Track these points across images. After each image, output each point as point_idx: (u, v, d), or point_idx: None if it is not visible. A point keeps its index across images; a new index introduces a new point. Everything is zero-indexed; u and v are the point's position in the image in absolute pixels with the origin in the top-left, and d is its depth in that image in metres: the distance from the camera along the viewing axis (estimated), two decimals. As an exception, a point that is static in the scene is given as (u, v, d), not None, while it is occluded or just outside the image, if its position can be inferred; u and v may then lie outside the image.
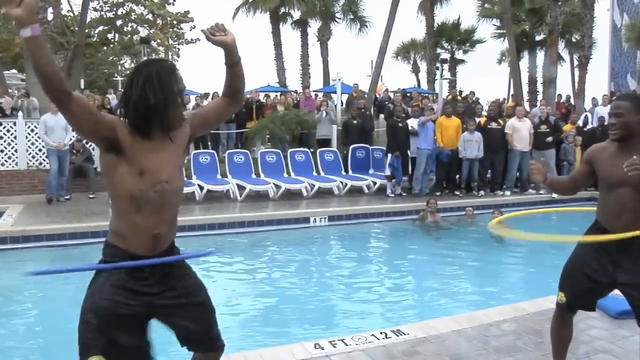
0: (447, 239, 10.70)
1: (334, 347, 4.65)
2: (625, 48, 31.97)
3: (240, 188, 12.80)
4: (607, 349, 4.75)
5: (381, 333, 4.96)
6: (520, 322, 5.38)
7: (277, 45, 32.96)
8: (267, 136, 16.46)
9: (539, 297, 5.95)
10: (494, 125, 14.07)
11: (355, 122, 14.93)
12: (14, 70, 31.63)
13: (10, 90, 19.18)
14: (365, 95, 18.64)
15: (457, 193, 13.79)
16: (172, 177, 2.51)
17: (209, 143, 17.06)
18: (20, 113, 14.76)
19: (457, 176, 14.08)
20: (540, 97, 30.18)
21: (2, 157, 13.72)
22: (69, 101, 2.25)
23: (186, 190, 12.44)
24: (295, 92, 23.44)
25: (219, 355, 2.89)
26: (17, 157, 13.67)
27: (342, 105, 19.94)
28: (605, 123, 14.16)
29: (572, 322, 4.00)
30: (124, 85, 2.50)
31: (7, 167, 13.76)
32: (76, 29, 24.70)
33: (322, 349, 4.61)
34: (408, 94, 20.09)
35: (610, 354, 4.66)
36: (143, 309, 2.54)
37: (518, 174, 14.39)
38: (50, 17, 23.61)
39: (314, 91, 26.31)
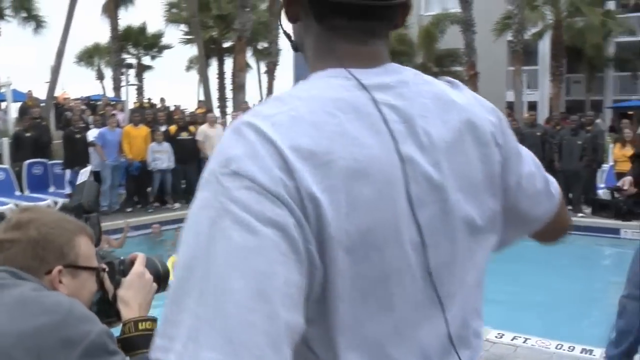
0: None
1: None
2: (305, 58, 33.81)
3: None
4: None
5: None
6: None
7: None
8: None
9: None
10: (184, 135, 13.42)
11: (28, 134, 13.13)
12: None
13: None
14: (42, 104, 16.67)
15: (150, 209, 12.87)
16: None
17: None
18: None
19: (149, 189, 13.19)
20: (230, 103, 30.52)
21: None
22: None
23: None
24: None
25: None
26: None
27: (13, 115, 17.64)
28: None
29: None
30: None
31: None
32: None
33: None
34: (92, 102, 18.55)
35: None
36: None
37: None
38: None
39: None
